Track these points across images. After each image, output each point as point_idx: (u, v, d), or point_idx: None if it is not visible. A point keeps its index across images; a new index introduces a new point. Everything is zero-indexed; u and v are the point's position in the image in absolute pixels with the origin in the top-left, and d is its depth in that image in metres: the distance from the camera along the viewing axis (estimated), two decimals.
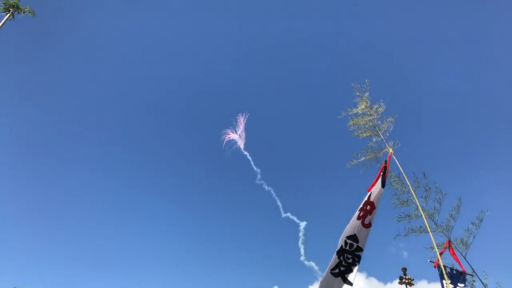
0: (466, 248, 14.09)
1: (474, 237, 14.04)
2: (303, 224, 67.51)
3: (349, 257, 11.63)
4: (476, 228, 14.04)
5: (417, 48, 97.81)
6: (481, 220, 14.08)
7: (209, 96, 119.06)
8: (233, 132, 63.02)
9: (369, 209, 12.21)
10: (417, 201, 13.14)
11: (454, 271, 15.18)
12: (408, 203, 14.14)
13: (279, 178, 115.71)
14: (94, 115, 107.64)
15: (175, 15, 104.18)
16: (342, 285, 11.30)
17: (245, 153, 63.98)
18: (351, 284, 11.20)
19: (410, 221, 14.06)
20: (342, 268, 11.57)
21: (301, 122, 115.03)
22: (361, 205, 11.91)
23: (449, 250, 14.79)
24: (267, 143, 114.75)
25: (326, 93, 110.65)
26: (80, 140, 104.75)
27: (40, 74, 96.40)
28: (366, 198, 12.06)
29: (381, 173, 12.48)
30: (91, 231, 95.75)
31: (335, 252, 11.69)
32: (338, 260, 11.46)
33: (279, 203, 69.60)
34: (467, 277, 14.30)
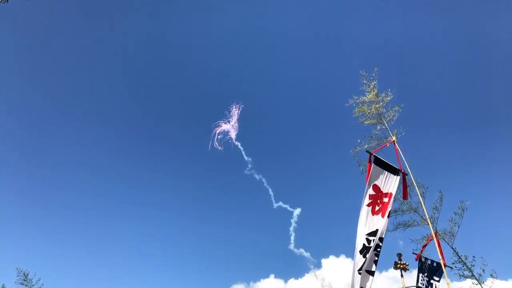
0: (452, 238, 14.59)
1: (458, 227, 14.55)
2: (297, 211, 65.37)
3: (374, 254, 11.78)
4: (460, 218, 14.54)
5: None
6: (463, 210, 14.57)
7: (200, 85, 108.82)
8: (225, 123, 59.63)
9: (387, 201, 12.28)
10: (420, 198, 13.47)
11: (435, 264, 15.66)
12: (394, 199, 14.46)
13: (271, 167, 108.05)
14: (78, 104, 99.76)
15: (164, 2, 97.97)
16: (368, 277, 11.47)
17: (237, 143, 61.52)
18: (373, 274, 11.44)
19: (396, 217, 14.43)
20: (368, 265, 11.76)
21: (295, 109, 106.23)
22: (367, 199, 11.92)
23: (436, 243, 15.24)
24: (260, 133, 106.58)
25: (324, 82, 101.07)
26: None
27: None
28: (372, 191, 12.08)
29: (372, 163, 12.47)
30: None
31: (357, 252, 11.74)
32: (364, 258, 11.59)
33: (270, 192, 66.69)
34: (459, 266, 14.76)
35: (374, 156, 12.63)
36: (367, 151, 12.68)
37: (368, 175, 12.48)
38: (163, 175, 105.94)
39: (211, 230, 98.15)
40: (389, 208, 12.34)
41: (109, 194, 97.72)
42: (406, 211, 14.21)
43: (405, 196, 13.19)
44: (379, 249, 11.93)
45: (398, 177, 12.64)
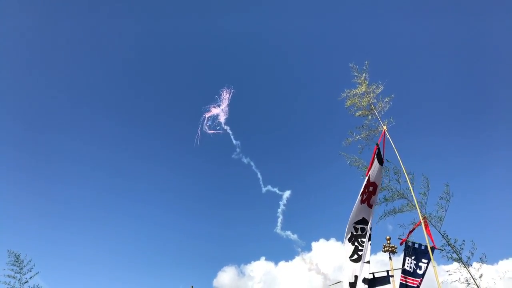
0: (440, 222, 15.20)
1: (446, 211, 15.17)
2: (286, 194, 63.95)
3: (363, 240, 12.34)
4: (446, 202, 15.12)
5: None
6: (448, 194, 15.11)
7: (190, 69, 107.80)
8: (215, 107, 59.54)
9: (372, 190, 12.95)
10: (412, 192, 14.10)
11: (423, 247, 16.31)
12: (383, 188, 15.05)
13: (260, 151, 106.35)
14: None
15: None
16: (363, 267, 12.06)
17: (226, 127, 60.94)
18: (368, 262, 11.99)
19: (387, 204, 15.07)
20: (360, 253, 12.30)
21: (286, 94, 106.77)
22: (362, 189, 12.58)
23: (424, 227, 15.90)
24: (250, 117, 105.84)
25: (317, 67, 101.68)
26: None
27: None
28: (365, 182, 12.72)
29: (375, 155, 13.15)
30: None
31: (346, 240, 12.32)
32: (353, 246, 12.19)
33: (259, 176, 65.52)
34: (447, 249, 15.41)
35: (379, 148, 13.14)
36: (376, 144, 13.17)
37: (371, 167, 13.03)
38: (150, 162, 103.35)
39: (201, 214, 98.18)
40: (373, 197, 12.95)
41: (87, 183, 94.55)
42: (396, 197, 14.88)
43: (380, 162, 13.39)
44: (369, 238, 12.53)
45: (382, 167, 13.21)
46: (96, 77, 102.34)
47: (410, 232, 14.72)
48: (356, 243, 12.89)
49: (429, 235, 15.80)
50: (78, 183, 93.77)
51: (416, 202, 13.97)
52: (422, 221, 14.09)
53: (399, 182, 14.85)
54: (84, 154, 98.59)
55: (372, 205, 13.18)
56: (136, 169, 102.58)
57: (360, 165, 15.78)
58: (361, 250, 12.61)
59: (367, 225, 12.94)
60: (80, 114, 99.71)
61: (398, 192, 14.82)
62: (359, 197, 13.01)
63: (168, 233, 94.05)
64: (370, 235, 12.73)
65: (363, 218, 13.16)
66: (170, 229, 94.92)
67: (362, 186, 13.08)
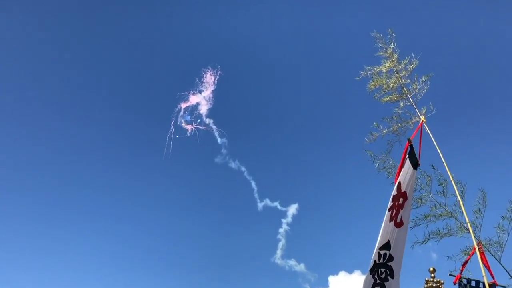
0: (500, 250, 10.90)
1: (508, 234, 10.85)
2: (292, 209, 47.53)
3: (382, 272, 8.67)
4: (510, 222, 10.85)
5: None
6: None
7: (159, 42, 73.67)
8: (194, 95, 44.35)
9: (401, 202, 9.10)
10: (460, 202, 9.76)
11: (481, 284, 12.14)
12: (422, 201, 10.79)
13: (254, 153, 75.86)
14: None
15: None
16: None
17: (208, 121, 45.53)
18: None
19: (428, 224, 10.73)
20: None
21: (289, 78, 74.62)
22: (390, 203, 8.76)
23: (479, 256, 11.58)
24: (241, 108, 75.83)
25: (326, 43, 70.14)
26: None
27: None
28: (394, 192, 8.92)
29: (407, 155, 9.30)
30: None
31: (368, 272, 8.73)
32: (373, 279, 8.49)
33: (254, 186, 48.71)
34: None
35: (411, 145, 9.39)
36: (408, 139, 9.31)
37: (400, 170, 9.27)
38: (100, 166, 71.60)
39: (171, 236, 69.31)
40: (401, 212, 9.09)
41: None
42: (441, 215, 10.46)
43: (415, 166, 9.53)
44: (389, 272, 8.80)
45: (416, 171, 9.45)
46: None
47: (464, 264, 10.37)
48: (376, 275, 9.12)
49: (487, 267, 11.40)
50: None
51: (469, 223, 9.63)
52: (477, 248, 9.80)
53: (444, 195, 10.47)
54: None
55: (401, 224, 9.11)
56: (86, 175, 72.75)
57: (391, 169, 11.50)
58: (379, 285, 8.83)
59: (388, 251, 9.03)
60: None
61: (444, 208, 10.42)
62: (387, 213, 9.03)
63: (140, 254, 67.63)
64: (391, 269, 8.84)
65: (388, 241, 9.21)
66: (143, 250, 67.15)
67: (390, 197, 9.15)
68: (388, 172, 11.28)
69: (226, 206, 71.44)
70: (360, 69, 11.76)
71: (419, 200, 10.40)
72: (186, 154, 72.50)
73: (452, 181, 9.81)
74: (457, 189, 9.78)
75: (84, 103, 71.43)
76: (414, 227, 10.38)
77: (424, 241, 10.45)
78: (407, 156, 9.40)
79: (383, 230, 9.04)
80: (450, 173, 9.89)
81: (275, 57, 74.30)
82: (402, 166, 9.37)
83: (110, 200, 70.06)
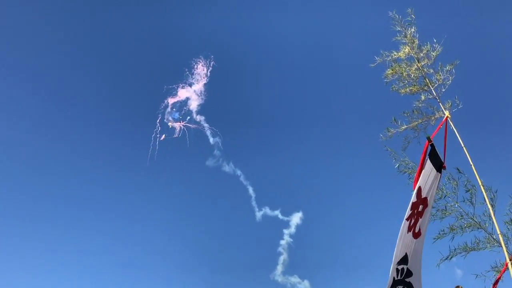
0: None
1: None
2: (295, 219, 40.40)
3: None
4: None
5: None
6: None
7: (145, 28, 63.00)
8: (183, 88, 38.11)
9: (420, 210, 7.95)
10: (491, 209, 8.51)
11: None
12: (447, 211, 9.51)
13: (251, 155, 63.41)
14: None
15: None
16: None
17: (199, 118, 38.96)
18: None
19: (454, 237, 9.47)
20: None
21: (292, 68, 62.69)
22: (409, 211, 7.59)
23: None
24: (237, 104, 65.43)
25: (333, 28, 57.37)
26: None
27: None
28: (414, 198, 7.74)
29: (427, 156, 8.07)
30: None
31: None
32: None
33: (251, 192, 41.57)
34: None
35: (432, 145, 8.19)
36: (428, 138, 8.10)
37: (419, 174, 8.11)
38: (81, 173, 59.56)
39: (150, 257, 57.40)
40: (420, 221, 8.00)
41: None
42: (467, 227, 9.23)
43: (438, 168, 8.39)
44: (408, 286, 7.80)
45: (440, 174, 8.23)
46: None
47: (495, 284, 9.19)
48: None
49: None
50: None
51: (500, 235, 8.44)
52: (509, 264, 8.64)
53: (472, 204, 9.22)
54: None
55: (418, 234, 8.05)
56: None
57: (412, 171, 10.28)
58: None
59: (406, 265, 8.03)
60: None
61: (472, 219, 9.18)
62: (405, 222, 7.98)
63: (131, 263, 59.20)
64: (410, 284, 7.86)
65: (406, 254, 8.17)
66: (134, 258, 58.15)
67: (409, 204, 8.04)
68: (409, 173, 10.08)
69: (219, 215, 59.29)
70: (372, 58, 10.39)
71: (444, 211, 9.20)
72: (173, 157, 59.15)
73: (482, 187, 8.58)
74: (487, 197, 8.54)
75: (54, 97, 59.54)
76: (437, 239, 9.23)
77: (449, 256, 9.29)
78: (427, 157, 8.22)
79: (400, 242, 8.00)
80: (479, 178, 8.66)
81: (276, 46, 62.15)
82: (422, 169, 8.22)
83: (80, 214, 58.22)
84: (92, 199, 57.96)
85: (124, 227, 59.19)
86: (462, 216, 9.14)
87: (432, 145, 8.07)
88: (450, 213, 9.19)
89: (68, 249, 54.16)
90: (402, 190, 10.44)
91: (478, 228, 9.06)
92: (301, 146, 60.15)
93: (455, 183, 9.48)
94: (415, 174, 8.56)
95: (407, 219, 7.89)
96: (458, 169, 9.51)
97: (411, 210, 7.88)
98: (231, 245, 56.56)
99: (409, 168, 10.06)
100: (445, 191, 9.52)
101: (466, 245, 9.09)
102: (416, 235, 7.90)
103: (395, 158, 10.16)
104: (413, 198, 7.96)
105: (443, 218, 9.31)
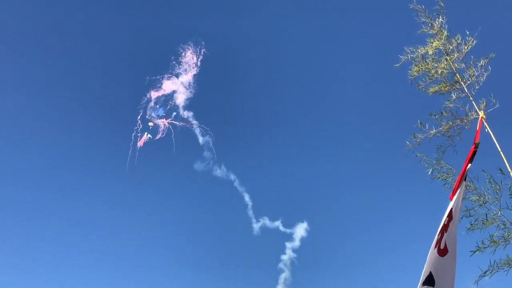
0: None
1: None
2: (299, 230, 34.68)
3: None
4: None
5: None
6: None
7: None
8: (168, 80, 32.53)
9: (446, 223, 7.25)
10: None
11: None
12: (489, 220, 8.64)
13: (247, 157, 54.52)
14: None
15: None
16: None
17: (187, 114, 32.90)
18: None
19: (495, 250, 8.58)
20: None
21: (294, 58, 53.59)
22: (441, 224, 6.94)
23: None
24: (230, 98, 53.66)
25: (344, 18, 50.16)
26: None
27: None
28: (448, 212, 7.05)
29: (470, 163, 7.27)
30: None
31: None
32: None
33: (247, 200, 35.22)
34: None
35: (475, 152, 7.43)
36: (476, 145, 7.13)
37: (459, 184, 7.42)
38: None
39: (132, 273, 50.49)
40: (445, 236, 7.33)
41: None
42: (511, 238, 8.38)
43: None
44: None
45: (465, 182, 7.41)
46: None
47: None
48: None
49: None
50: None
51: None
52: None
53: None
54: None
55: (444, 252, 7.44)
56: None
57: (450, 177, 9.39)
58: None
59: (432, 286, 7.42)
60: None
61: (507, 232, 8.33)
62: (436, 237, 7.43)
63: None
64: None
65: (430, 273, 7.61)
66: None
67: (444, 214, 7.44)
68: (444, 178, 9.19)
69: (209, 228, 49.08)
70: (391, 50, 9.43)
71: (485, 220, 8.39)
72: (156, 160, 48.93)
73: None
74: None
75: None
76: (475, 251, 8.48)
77: (489, 271, 8.48)
78: (470, 164, 7.40)
79: (428, 259, 7.43)
80: None
81: (278, 33, 52.26)
82: (463, 177, 7.42)
83: (50, 224, 51.51)
84: (61, 212, 50.27)
85: (99, 243, 51.52)
86: (505, 225, 8.32)
87: (476, 151, 7.27)
88: (492, 223, 8.38)
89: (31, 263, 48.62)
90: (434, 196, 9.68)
91: None
92: (304, 146, 49.90)
93: (498, 186, 8.58)
94: (455, 183, 7.74)
95: (438, 233, 7.28)
96: (501, 170, 8.59)
97: (442, 223, 7.25)
98: (223, 262, 47.89)
99: (443, 172, 9.21)
100: (486, 197, 8.67)
101: (509, 258, 8.30)
102: (442, 252, 7.23)
103: (427, 163, 9.30)
104: (448, 210, 7.31)
105: (483, 229, 8.52)
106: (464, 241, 8.84)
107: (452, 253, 7.19)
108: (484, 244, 8.41)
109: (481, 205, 8.56)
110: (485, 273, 8.34)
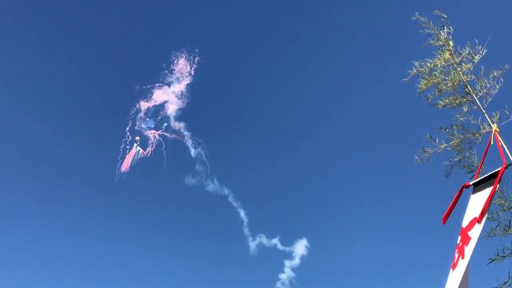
0: None
1: None
2: (299, 248, 32.21)
3: None
4: None
5: None
6: None
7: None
8: (159, 89, 30.19)
9: (458, 241, 6.72)
10: None
11: None
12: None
13: (242, 171, 50.15)
14: None
15: None
16: None
17: (178, 125, 30.49)
18: None
19: None
20: None
21: (293, 66, 50.81)
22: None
23: None
24: (223, 108, 51.18)
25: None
26: None
27: None
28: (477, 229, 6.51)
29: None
30: None
31: None
32: None
33: (243, 217, 32.69)
34: None
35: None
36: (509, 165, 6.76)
37: (489, 204, 6.85)
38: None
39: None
40: (457, 258, 6.68)
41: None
42: None
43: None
44: None
45: (489, 188, 6.56)
46: None
47: None
48: None
49: None
50: None
51: None
52: None
53: None
54: None
55: (454, 266, 6.80)
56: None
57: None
58: None
59: None
60: None
61: None
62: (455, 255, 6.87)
63: None
64: None
65: None
66: None
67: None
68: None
69: (202, 247, 43.67)
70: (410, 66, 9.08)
71: (507, 227, 7.72)
72: (145, 174, 43.47)
73: None
74: None
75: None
76: (493, 260, 7.75)
77: (508, 283, 7.72)
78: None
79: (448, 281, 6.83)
80: None
81: (277, 40, 47.48)
82: (493, 196, 6.82)
83: (41, 234, 47.88)
84: (47, 224, 45.26)
85: (84, 265, 47.05)
86: None
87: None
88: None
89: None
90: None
91: None
92: (302, 158, 44.90)
93: None
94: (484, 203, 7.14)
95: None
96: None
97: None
98: (218, 284, 42.21)
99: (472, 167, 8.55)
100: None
101: None
102: (453, 267, 6.62)
103: (446, 174, 8.71)
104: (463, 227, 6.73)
105: (504, 235, 7.82)
106: (480, 248, 8.15)
107: (460, 269, 6.56)
108: (504, 252, 7.70)
109: (505, 210, 7.91)
110: (504, 284, 7.58)
